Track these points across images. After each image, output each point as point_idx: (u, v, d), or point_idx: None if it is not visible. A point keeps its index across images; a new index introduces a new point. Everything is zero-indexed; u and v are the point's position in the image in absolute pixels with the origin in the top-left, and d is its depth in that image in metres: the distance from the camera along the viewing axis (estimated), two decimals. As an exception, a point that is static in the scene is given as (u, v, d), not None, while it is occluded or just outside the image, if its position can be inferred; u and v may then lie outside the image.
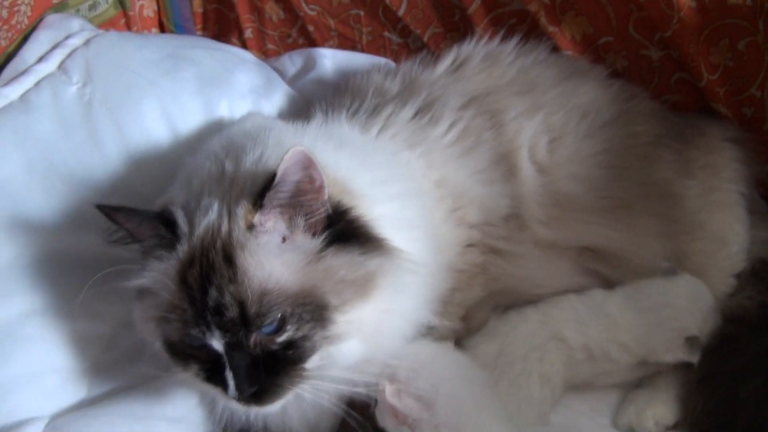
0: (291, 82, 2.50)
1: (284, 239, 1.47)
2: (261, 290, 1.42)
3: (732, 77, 2.11)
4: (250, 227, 1.45)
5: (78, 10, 2.37)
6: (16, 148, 1.90)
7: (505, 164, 1.94)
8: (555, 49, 2.26)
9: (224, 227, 1.46)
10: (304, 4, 2.54)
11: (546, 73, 2.10)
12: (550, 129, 1.98)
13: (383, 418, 1.65)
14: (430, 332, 1.78)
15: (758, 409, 1.77)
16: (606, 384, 1.96)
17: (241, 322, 1.42)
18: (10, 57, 2.12)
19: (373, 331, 1.54)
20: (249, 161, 1.57)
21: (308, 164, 1.39)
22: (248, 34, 2.63)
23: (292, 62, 2.54)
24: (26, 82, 2.03)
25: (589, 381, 1.94)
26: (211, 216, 1.47)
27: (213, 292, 1.42)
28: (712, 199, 2.06)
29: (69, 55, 2.11)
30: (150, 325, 1.57)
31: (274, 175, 1.38)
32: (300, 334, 1.44)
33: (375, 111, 1.96)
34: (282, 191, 1.41)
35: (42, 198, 1.89)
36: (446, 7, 2.41)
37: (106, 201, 1.94)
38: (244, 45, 2.68)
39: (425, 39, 2.46)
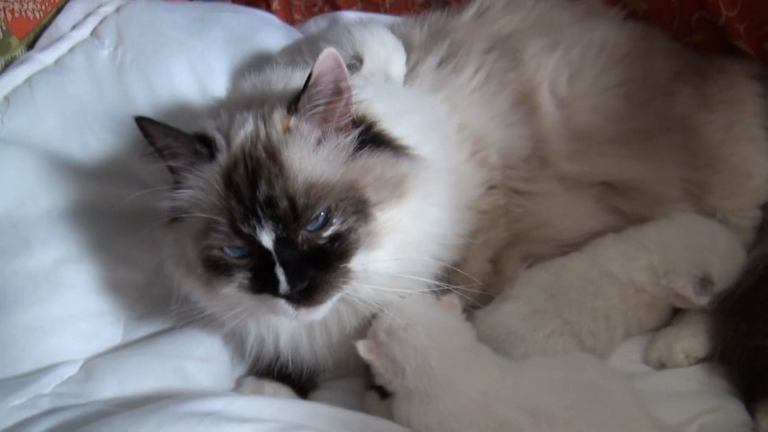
0: (315, 44, 2.55)
1: (319, 141, 1.54)
2: (307, 183, 1.50)
3: (750, 12, 2.10)
4: (287, 131, 1.53)
5: (110, -16, 2.45)
6: (52, 107, 2.00)
7: (526, 105, 1.97)
8: (574, -5, 2.28)
9: (262, 133, 1.54)
10: (328, -30, 2.61)
11: (563, 14, 2.14)
12: (569, 64, 2.02)
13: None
14: (455, 275, 1.80)
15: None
16: (653, 323, 1.94)
17: (291, 214, 1.47)
18: (44, 28, 2.23)
19: (403, 239, 1.60)
20: (277, 86, 1.70)
21: (339, 64, 1.48)
22: (275, 5, 2.70)
23: (317, 25, 2.61)
24: (61, 48, 2.14)
25: (641, 321, 1.92)
26: (247, 127, 1.55)
27: (263, 186, 1.48)
28: (734, 133, 2.05)
29: (101, 22, 2.22)
30: (188, 245, 1.60)
31: (309, 76, 1.47)
32: (345, 226, 1.51)
33: None
34: (315, 93, 1.50)
35: (77, 152, 1.98)
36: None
37: (137, 155, 2.05)
38: (271, 17, 2.73)
39: (448, -5, 2.50)
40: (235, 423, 1.53)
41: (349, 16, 2.56)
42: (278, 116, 1.55)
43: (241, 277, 1.54)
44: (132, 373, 1.81)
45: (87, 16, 2.24)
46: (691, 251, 1.86)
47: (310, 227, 1.49)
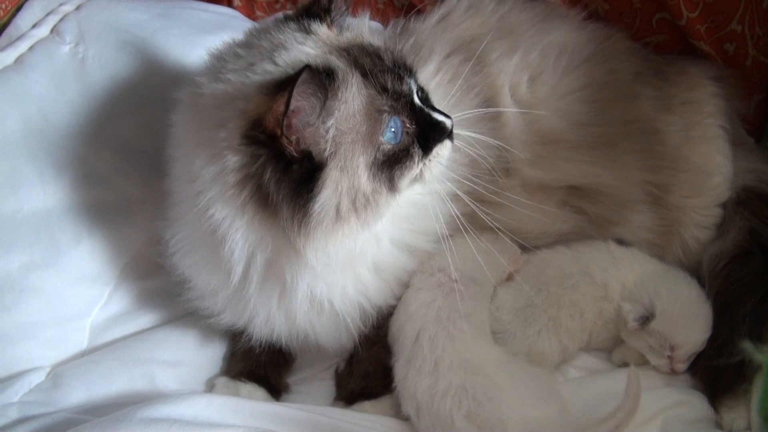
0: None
1: None
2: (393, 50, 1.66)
3: (712, 13, 2.13)
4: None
5: (70, -17, 2.41)
6: (12, 107, 1.95)
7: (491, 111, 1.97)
8: (534, -3, 2.29)
9: (328, 35, 1.64)
10: (291, -32, 2.57)
11: (522, 16, 2.13)
12: (528, 67, 2.02)
13: None
14: None
15: (755, 325, 1.82)
16: (604, 342, 1.98)
17: (410, 69, 1.64)
18: (3, 27, 2.18)
19: None
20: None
21: None
22: (237, 2, 2.67)
23: (279, 24, 2.58)
24: (21, 47, 2.09)
25: (598, 332, 1.96)
26: (309, 42, 1.60)
27: (385, 55, 1.60)
28: (694, 134, 2.08)
29: (61, 20, 2.17)
30: (360, 163, 1.51)
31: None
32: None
33: None
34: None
35: (39, 152, 1.94)
36: (430, -38, 2.43)
37: (100, 153, 2.03)
38: (234, 14, 2.70)
39: (410, -4, 2.49)
40: (206, 429, 1.55)
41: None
42: (322, 29, 1.65)
43: (416, 148, 1.59)
44: (99, 379, 1.81)
45: (47, 14, 2.19)
46: (655, 287, 1.89)
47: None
